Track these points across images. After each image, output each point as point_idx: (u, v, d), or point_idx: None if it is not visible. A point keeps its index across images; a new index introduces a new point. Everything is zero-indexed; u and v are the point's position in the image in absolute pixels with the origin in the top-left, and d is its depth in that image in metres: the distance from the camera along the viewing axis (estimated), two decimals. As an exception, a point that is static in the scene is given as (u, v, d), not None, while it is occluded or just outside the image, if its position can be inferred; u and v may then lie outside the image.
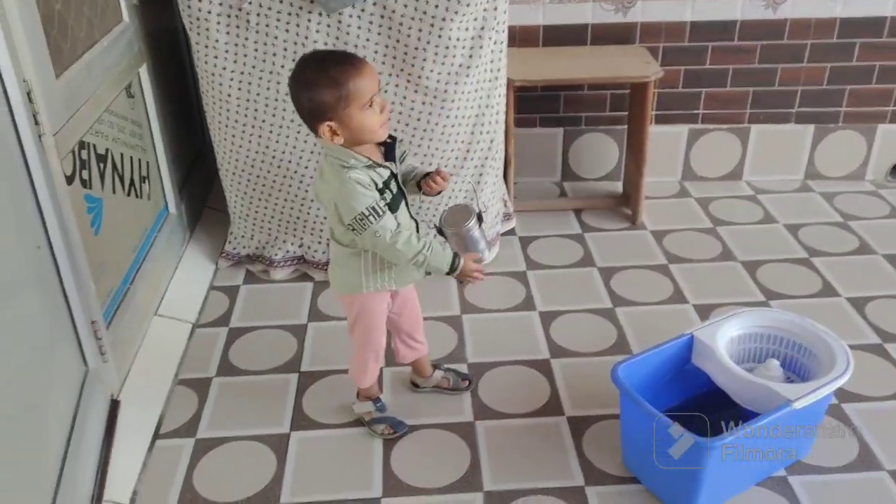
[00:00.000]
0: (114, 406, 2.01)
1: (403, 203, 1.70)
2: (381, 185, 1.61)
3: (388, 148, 1.66)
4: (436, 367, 2.12)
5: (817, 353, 1.85)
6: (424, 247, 1.64)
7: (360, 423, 2.02)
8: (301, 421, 2.05)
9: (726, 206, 3.03)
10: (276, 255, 2.62)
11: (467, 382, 2.12)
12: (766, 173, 3.18)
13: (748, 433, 1.63)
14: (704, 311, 2.41)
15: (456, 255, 1.70)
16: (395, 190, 1.65)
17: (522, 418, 2.04)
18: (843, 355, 1.79)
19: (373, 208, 1.58)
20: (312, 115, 1.56)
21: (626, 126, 3.04)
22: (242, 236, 2.66)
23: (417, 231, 1.73)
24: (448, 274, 1.71)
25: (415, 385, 2.13)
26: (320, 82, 1.52)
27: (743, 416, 1.85)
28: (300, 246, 2.63)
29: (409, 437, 1.98)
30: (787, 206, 3.01)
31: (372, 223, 1.59)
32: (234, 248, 2.69)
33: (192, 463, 1.93)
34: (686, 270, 2.62)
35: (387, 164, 1.64)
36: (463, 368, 2.19)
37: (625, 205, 2.98)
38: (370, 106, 1.54)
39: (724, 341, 1.89)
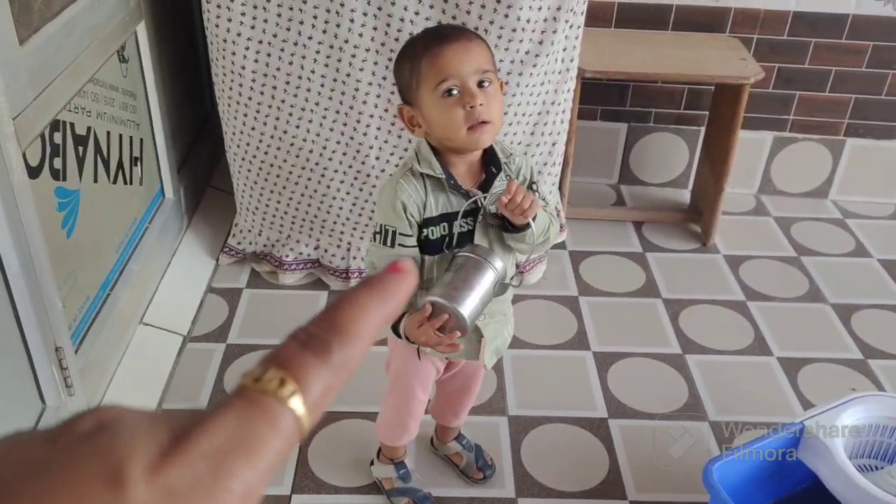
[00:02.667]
0: (80, 445, 1.64)
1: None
2: (437, 213, 1.22)
3: (489, 175, 1.24)
4: (459, 436, 1.70)
5: (960, 462, 1.47)
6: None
7: (377, 490, 1.66)
8: (305, 480, 1.69)
9: (811, 229, 2.61)
10: (286, 255, 2.24)
11: (482, 475, 1.67)
12: (855, 194, 2.76)
13: (884, 580, 1.25)
14: (791, 367, 2.02)
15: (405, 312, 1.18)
16: (464, 228, 1.24)
17: (574, 499, 1.67)
18: None
19: (387, 230, 1.22)
20: (399, 94, 1.24)
21: (702, 127, 2.61)
22: (249, 231, 2.27)
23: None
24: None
25: (433, 443, 1.75)
26: (404, 53, 1.21)
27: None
28: (316, 248, 2.24)
29: (436, 514, 1.62)
30: (881, 236, 2.60)
31: (371, 241, 1.27)
32: (239, 244, 2.30)
33: None
34: (768, 311, 2.22)
35: (474, 192, 1.22)
36: (500, 429, 1.81)
37: (694, 220, 2.57)
38: (448, 94, 1.14)
39: (841, 435, 1.51)
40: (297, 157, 2.07)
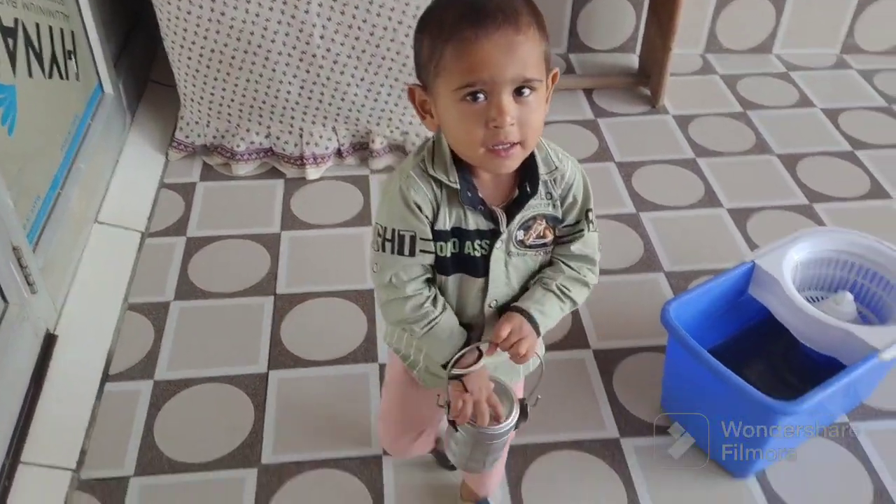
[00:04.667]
0: (48, 342, 1.65)
1: (481, 283, 0.98)
2: (449, 226, 0.94)
3: (523, 193, 0.95)
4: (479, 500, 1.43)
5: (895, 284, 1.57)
6: (421, 321, 0.98)
7: (355, 358, 1.71)
8: (281, 357, 1.73)
9: (756, 85, 2.65)
10: (238, 145, 2.20)
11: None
12: (799, 46, 2.78)
13: (830, 392, 1.35)
14: (741, 217, 2.10)
15: (462, 356, 0.99)
16: (478, 252, 0.96)
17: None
18: (934, 290, 1.50)
19: (402, 236, 0.94)
20: (415, 68, 0.93)
21: (646, -13, 2.59)
22: (196, 122, 2.22)
23: (470, 336, 1.01)
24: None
25: (461, 495, 1.47)
26: (427, 21, 0.89)
27: (800, 351, 1.60)
28: (267, 136, 2.20)
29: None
30: (824, 86, 2.65)
31: (376, 250, 0.97)
32: (187, 137, 2.25)
33: (151, 413, 1.61)
34: (717, 166, 2.28)
35: (497, 211, 0.95)
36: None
37: (643, 84, 2.58)
38: (468, 100, 0.85)
39: (789, 270, 1.59)
40: (238, 40, 2.00)
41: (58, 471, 1.47)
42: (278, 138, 2.19)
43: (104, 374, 1.67)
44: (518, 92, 0.85)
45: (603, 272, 1.91)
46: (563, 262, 1.02)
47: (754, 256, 1.60)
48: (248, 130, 2.18)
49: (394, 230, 0.95)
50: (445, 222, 0.94)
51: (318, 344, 1.75)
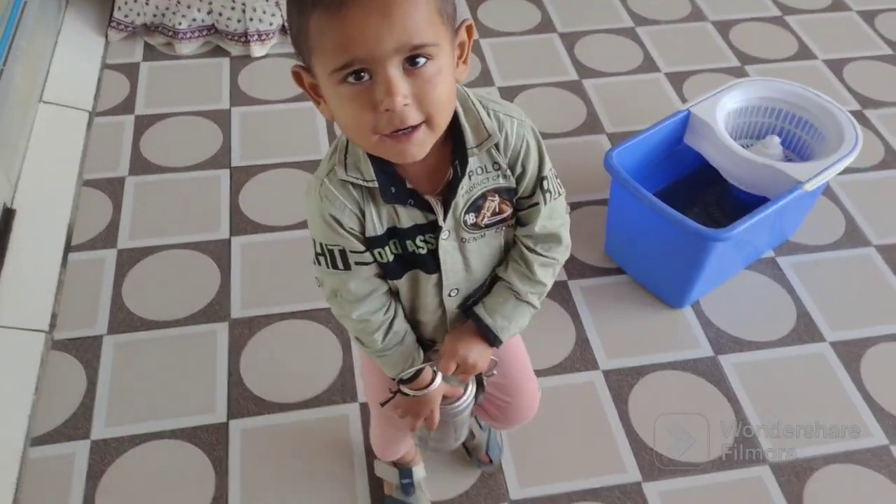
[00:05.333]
0: (7, 216, 1.66)
1: (435, 278, 0.87)
2: (383, 230, 0.82)
3: (455, 175, 0.80)
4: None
5: (821, 129, 1.68)
6: (371, 346, 0.90)
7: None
8: (242, 223, 1.77)
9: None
10: (179, 23, 2.17)
11: (488, 460, 1.36)
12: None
13: (757, 221, 1.47)
14: (678, 80, 2.19)
15: (417, 373, 0.93)
16: (422, 249, 0.84)
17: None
18: (851, 128, 1.62)
19: (331, 250, 0.84)
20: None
21: None
22: (135, 1, 2.17)
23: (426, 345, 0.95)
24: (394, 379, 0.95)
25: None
26: None
27: (731, 195, 1.72)
28: (209, 13, 2.18)
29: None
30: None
31: (316, 262, 0.87)
32: (126, 16, 2.20)
33: (117, 278, 1.65)
34: (655, 34, 2.35)
35: (432, 201, 0.81)
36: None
37: (582, -43, 2.60)
38: (349, 81, 0.69)
39: (721, 117, 1.69)
40: None
41: (31, 332, 1.52)
42: (220, 14, 2.16)
43: (66, 245, 1.70)
44: (411, 62, 0.68)
45: (548, 136, 1.99)
46: (528, 250, 0.88)
47: (689, 105, 1.69)
48: (188, 7, 2.15)
49: (321, 244, 0.84)
50: (376, 227, 0.81)
51: (277, 211, 1.80)
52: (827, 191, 1.87)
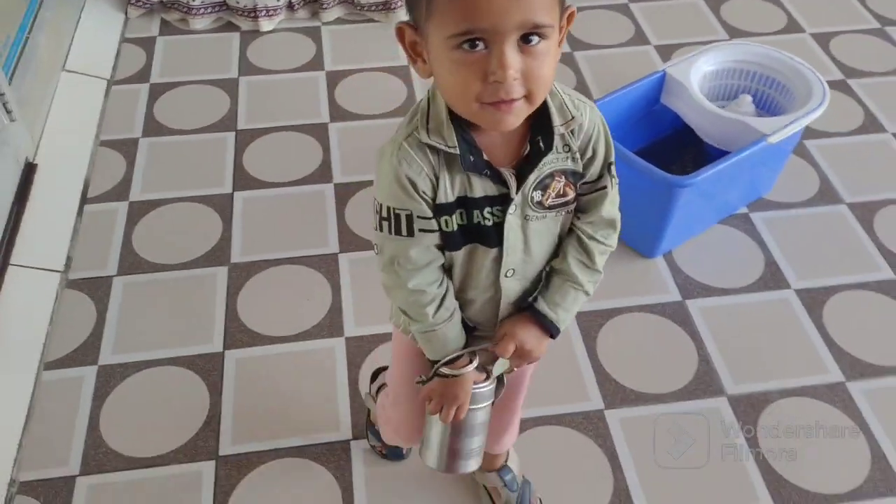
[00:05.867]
0: (29, 170, 1.81)
1: (494, 253, 0.88)
2: (453, 197, 0.83)
3: (535, 150, 0.83)
4: (503, 468, 1.31)
5: (791, 88, 1.76)
6: (419, 322, 0.91)
7: (314, 179, 1.89)
8: (244, 180, 1.90)
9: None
10: (194, 0, 2.31)
11: None
12: None
13: (722, 170, 1.56)
14: (667, 53, 2.27)
15: (458, 357, 0.94)
16: (489, 221, 0.85)
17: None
18: (819, 86, 1.70)
19: (398, 215, 0.84)
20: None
21: None
22: (153, -21, 2.32)
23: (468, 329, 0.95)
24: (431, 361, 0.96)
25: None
26: None
27: (706, 154, 1.80)
28: (221, -11, 2.32)
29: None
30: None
31: (379, 227, 0.87)
32: (145, -6, 2.35)
33: (128, 227, 1.79)
34: (647, 9, 2.43)
35: (507, 174, 0.83)
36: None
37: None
38: (464, 48, 0.72)
39: (696, 78, 1.78)
40: None
41: (47, 272, 1.66)
42: (232, -9, 2.30)
43: (83, 197, 1.84)
44: (525, 39, 0.71)
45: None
46: (589, 238, 0.91)
47: (665, 66, 1.78)
48: (202, -16, 2.29)
49: (388, 208, 0.84)
50: (448, 194, 0.83)
51: (279, 169, 1.92)
52: (804, 153, 1.95)
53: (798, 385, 1.50)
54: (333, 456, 1.40)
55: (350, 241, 1.75)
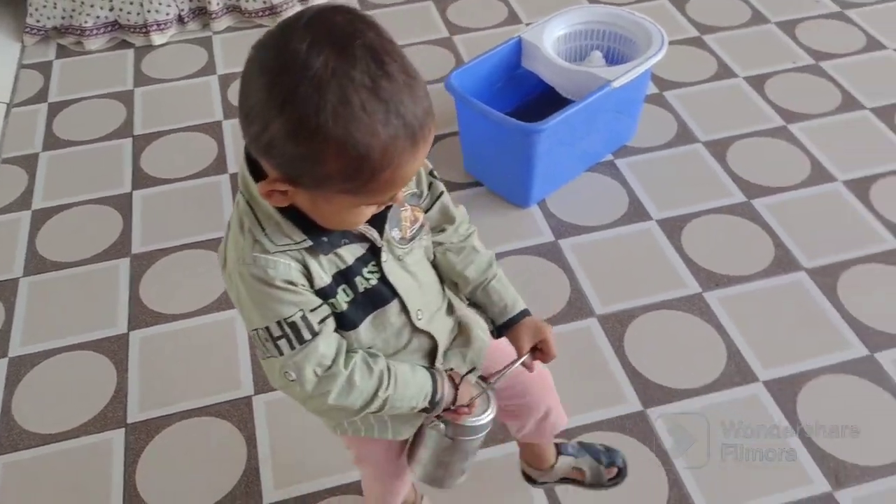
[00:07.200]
0: (-67, 191, 1.88)
1: (396, 305, 0.87)
2: (335, 272, 0.81)
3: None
4: (560, 449, 1.30)
5: (635, 40, 1.93)
6: (381, 384, 0.85)
7: (214, 171, 2.00)
8: (143, 180, 2.00)
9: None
10: (86, 22, 2.41)
11: (615, 471, 1.32)
12: None
13: (572, 114, 1.71)
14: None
15: (436, 380, 0.91)
16: (372, 280, 0.84)
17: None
18: (658, 35, 1.87)
19: (290, 324, 0.79)
20: (257, 145, 0.70)
21: None
22: (44, 6, 2.41)
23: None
24: (424, 411, 0.92)
25: (529, 479, 1.33)
26: (321, 114, 0.65)
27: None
28: (111, 10, 2.42)
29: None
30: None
31: (278, 351, 0.81)
32: (38, 21, 2.44)
33: (32, 232, 1.87)
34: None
35: (368, 232, 0.82)
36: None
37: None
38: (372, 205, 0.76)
39: (550, 41, 1.93)
40: (65, -84, 2.20)
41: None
42: (121, 9, 2.40)
43: (-14, 210, 1.92)
44: None
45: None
46: (458, 247, 0.96)
47: (521, 33, 1.94)
48: (91, 6, 2.39)
49: (278, 323, 0.79)
50: (322, 278, 0.80)
51: (177, 166, 2.03)
52: (663, 102, 2.12)
53: (660, 300, 1.65)
54: (237, 411, 1.50)
55: (246, 222, 1.86)
